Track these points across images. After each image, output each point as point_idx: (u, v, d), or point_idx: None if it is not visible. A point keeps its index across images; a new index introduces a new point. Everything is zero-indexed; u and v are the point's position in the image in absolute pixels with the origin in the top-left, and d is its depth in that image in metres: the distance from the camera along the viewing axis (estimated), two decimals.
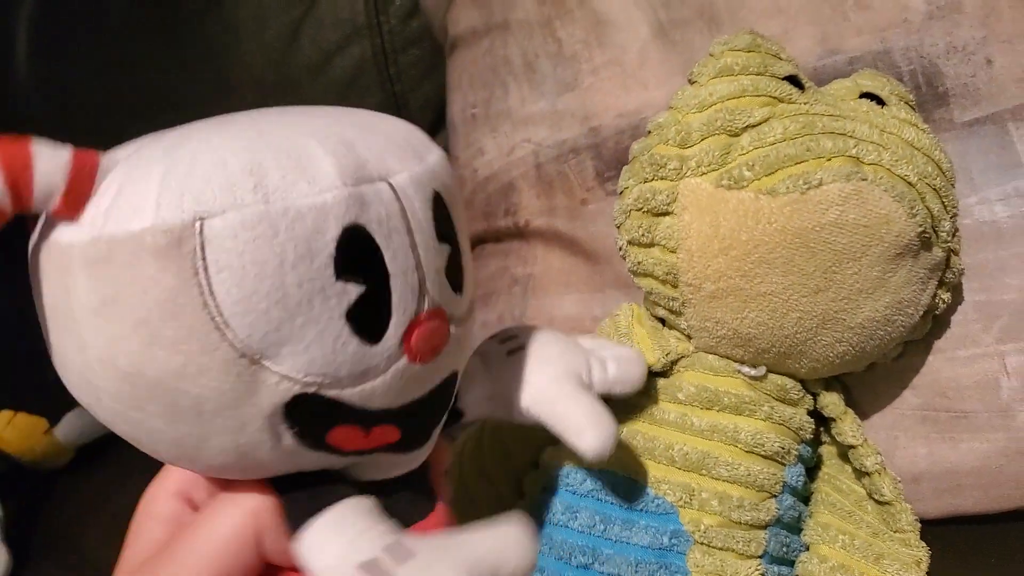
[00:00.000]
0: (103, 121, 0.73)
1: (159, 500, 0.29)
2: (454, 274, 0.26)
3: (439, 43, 0.65)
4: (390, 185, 0.24)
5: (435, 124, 0.70)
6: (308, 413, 0.23)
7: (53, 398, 0.65)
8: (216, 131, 0.24)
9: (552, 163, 0.49)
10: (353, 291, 0.23)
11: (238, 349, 0.21)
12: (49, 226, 0.23)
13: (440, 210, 0.26)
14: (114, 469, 0.68)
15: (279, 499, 0.25)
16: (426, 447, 0.28)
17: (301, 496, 0.25)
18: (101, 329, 0.21)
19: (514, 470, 0.40)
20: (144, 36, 0.75)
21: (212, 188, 0.21)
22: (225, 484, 0.27)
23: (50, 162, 0.21)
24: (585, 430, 0.30)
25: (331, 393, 0.23)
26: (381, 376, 0.24)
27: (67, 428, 0.67)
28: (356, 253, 0.23)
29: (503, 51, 0.52)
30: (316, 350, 0.22)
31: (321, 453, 0.24)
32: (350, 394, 0.23)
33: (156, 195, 0.21)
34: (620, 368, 0.33)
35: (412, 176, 0.25)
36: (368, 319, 0.23)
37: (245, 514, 0.25)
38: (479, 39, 0.55)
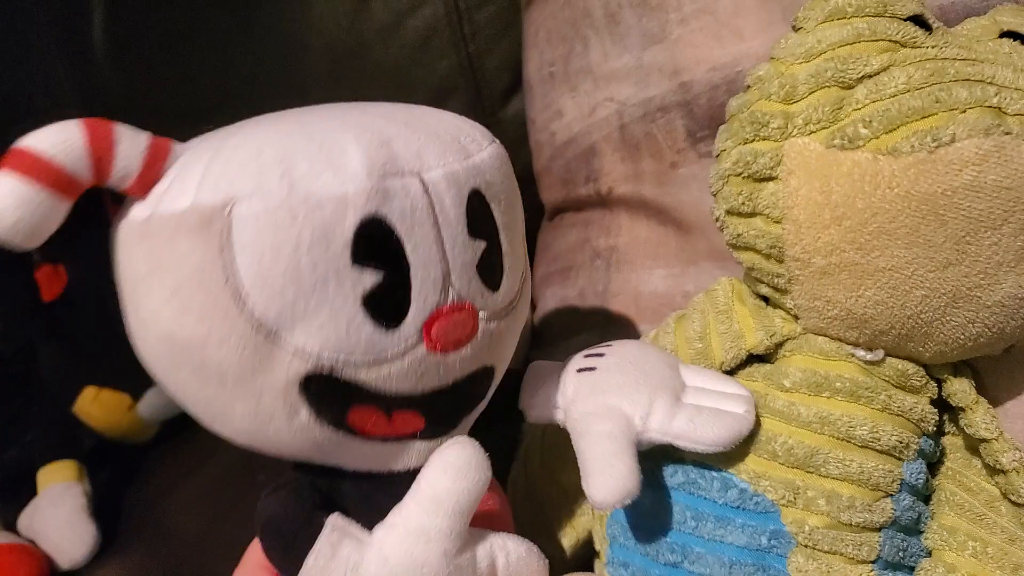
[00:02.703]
0: (176, 92, 0.73)
1: None
2: (489, 270, 0.27)
3: None
4: (421, 180, 0.25)
5: (511, 87, 0.68)
6: (324, 391, 0.25)
7: (136, 375, 0.67)
8: (265, 124, 0.26)
9: (638, 123, 0.45)
10: (370, 278, 0.24)
11: (254, 323, 0.23)
12: (126, 204, 0.26)
13: (478, 207, 0.27)
14: (197, 446, 0.70)
15: (267, 554, 0.27)
16: (455, 434, 0.29)
17: (286, 547, 0.26)
18: (147, 295, 0.24)
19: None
20: (216, 4, 0.75)
21: (244, 175, 0.24)
22: None
23: (130, 146, 0.24)
24: (589, 476, 0.29)
25: (347, 373, 0.25)
26: (398, 361, 0.25)
27: (149, 404, 0.68)
28: (376, 242, 0.24)
29: (583, 3, 0.49)
30: (330, 330, 0.24)
31: (343, 434, 0.26)
32: (366, 376, 0.25)
33: (199, 179, 0.24)
34: (692, 425, 0.30)
35: (447, 173, 0.26)
36: (386, 306, 0.25)
37: None
38: None
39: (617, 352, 0.33)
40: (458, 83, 0.67)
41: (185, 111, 0.74)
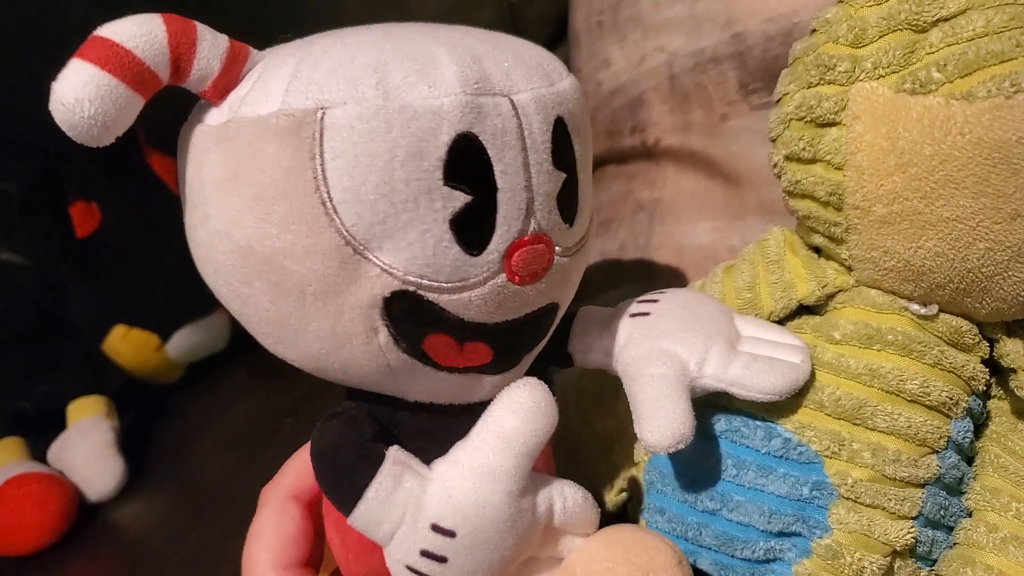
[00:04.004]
0: (210, 24, 0.72)
1: None
2: (567, 203, 0.26)
3: None
4: (511, 101, 0.24)
5: (552, 39, 0.67)
6: (406, 312, 0.24)
7: (165, 315, 0.68)
8: (351, 33, 0.25)
9: (688, 74, 0.44)
10: (459, 198, 0.23)
11: (344, 236, 0.22)
12: (196, 111, 0.25)
13: (561, 136, 0.26)
14: (221, 391, 0.71)
15: (321, 485, 0.26)
16: (516, 371, 0.28)
17: (342, 478, 0.26)
18: (223, 202, 0.23)
19: (615, 413, 0.37)
20: None
21: (336, 81, 0.22)
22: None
23: (211, 46, 0.23)
24: (642, 418, 0.29)
25: (430, 296, 0.24)
26: (479, 288, 0.24)
27: (177, 345, 0.69)
28: (467, 162, 0.23)
29: None
30: (418, 249, 0.23)
31: (415, 361, 0.25)
32: (447, 300, 0.24)
33: (286, 83, 0.23)
34: (748, 372, 0.30)
35: (536, 96, 0.25)
36: (472, 229, 0.24)
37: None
38: None
39: (671, 299, 0.33)
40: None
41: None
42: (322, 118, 0.22)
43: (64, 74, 0.22)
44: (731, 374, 0.30)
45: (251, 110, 0.23)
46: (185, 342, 0.69)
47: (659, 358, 0.30)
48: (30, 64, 0.84)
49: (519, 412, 0.26)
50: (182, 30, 0.23)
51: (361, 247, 0.23)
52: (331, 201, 0.22)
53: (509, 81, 0.25)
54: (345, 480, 0.25)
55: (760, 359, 0.30)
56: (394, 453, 0.25)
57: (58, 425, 0.63)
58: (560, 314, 0.29)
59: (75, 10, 0.80)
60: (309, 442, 0.27)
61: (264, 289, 0.24)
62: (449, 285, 0.24)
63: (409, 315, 0.24)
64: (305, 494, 0.31)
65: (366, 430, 0.26)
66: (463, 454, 0.26)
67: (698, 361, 0.30)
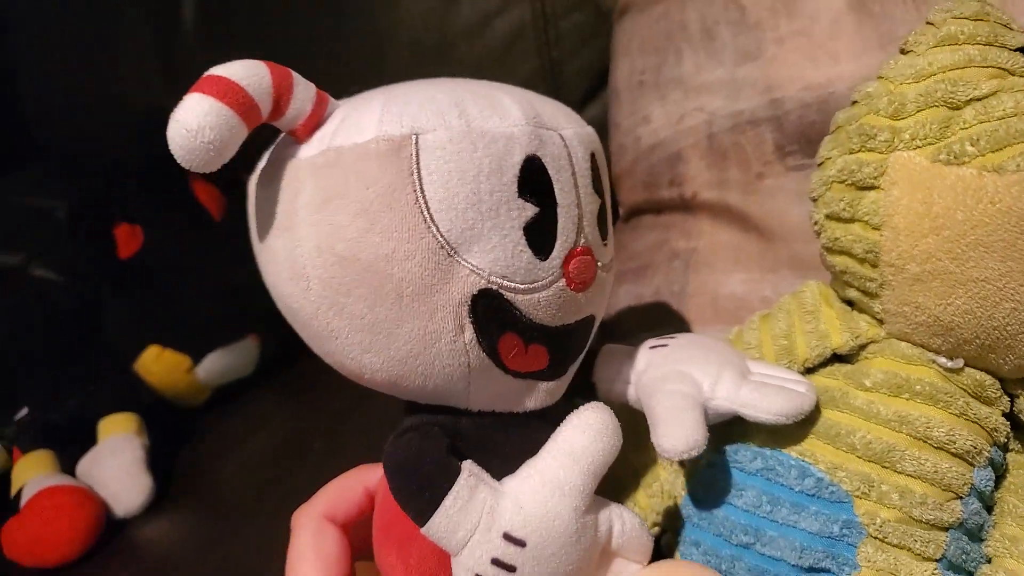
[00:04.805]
0: None
1: None
2: (603, 224, 0.31)
3: (602, 9, 0.64)
4: (560, 135, 0.29)
5: (589, 93, 0.70)
6: (488, 310, 0.27)
7: (198, 338, 0.69)
8: (423, 81, 0.29)
9: (727, 133, 0.47)
10: (529, 209, 0.27)
11: (440, 240, 0.26)
12: (281, 148, 0.29)
13: (595, 167, 0.31)
14: (247, 414, 0.71)
15: (399, 496, 0.28)
16: (563, 380, 0.32)
17: (411, 498, 0.27)
18: (323, 222, 0.26)
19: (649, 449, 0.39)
20: None
21: (425, 112, 0.26)
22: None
23: (304, 90, 0.27)
24: (658, 426, 0.31)
25: (508, 295, 0.27)
26: (545, 291, 0.28)
27: (207, 368, 0.70)
28: (534, 179, 0.27)
29: (679, 16, 0.51)
30: (499, 252, 0.27)
31: (489, 362, 0.28)
32: (521, 300, 0.28)
33: (379, 116, 0.26)
34: (758, 395, 0.33)
35: (576, 133, 0.30)
36: (539, 236, 0.28)
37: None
38: (653, 3, 0.53)
39: (688, 336, 0.37)
40: (538, 87, 0.68)
41: None
42: (416, 141, 0.26)
43: (185, 105, 0.25)
44: (742, 396, 0.32)
45: (347, 140, 0.26)
46: (215, 365, 0.70)
47: (676, 377, 0.33)
48: (83, 88, 0.88)
49: (587, 431, 0.28)
50: (282, 75, 0.27)
51: (453, 251, 0.26)
52: (428, 210, 0.26)
53: (555, 120, 0.29)
54: (424, 490, 0.26)
55: (769, 386, 0.33)
56: (468, 466, 0.27)
57: (89, 440, 0.64)
58: (596, 327, 0.33)
59: (132, 40, 0.83)
60: (343, 471, 0.31)
61: (363, 295, 0.26)
62: (523, 286, 0.28)
63: (490, 313, 0.27)
64: (340, 517, 0.32)
65: (441, 443, 0.28)
66: (534, 469, 0.28)
67: (711, 383, 0.33)
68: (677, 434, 0.30)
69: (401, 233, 0.26)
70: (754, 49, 0.47)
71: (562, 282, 0.29)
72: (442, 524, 0.26)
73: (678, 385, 0.33)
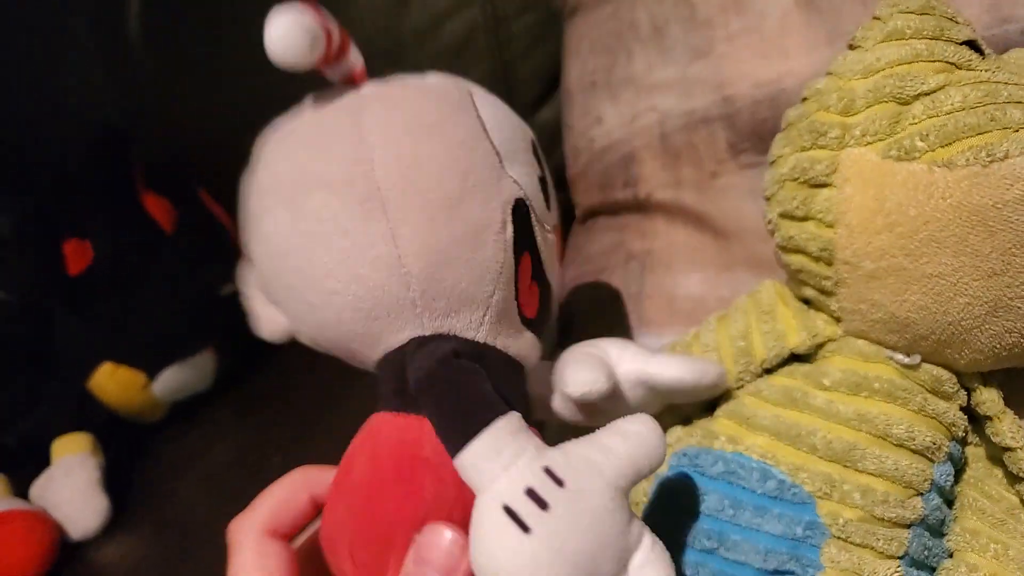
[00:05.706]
0: (210, 84, 0.73)
1: None
2: (546, 194, 0.36)
3: (553, 9, 0.63)
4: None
5: (542, 96, 0.69)
6: (523, 219, 0.32)
7: (153, 354, 0.68)
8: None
9: (679, 133, 0.46)
10: (539, 168, 0.35)
11: (494, 148, 0.31)
12: (318, 97, 0.32)
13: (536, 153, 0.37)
14: (205, 429, 0.70)
15: (434, 423, 0.27)
16: (537, 344, 0.34)
17: (457, 417, 0.27)
18: (399, 134, 0.30)
19: None
20: None
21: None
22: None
23: (355, 51, 0.32)
24: (564, 372, 0.34)
25: (533, 218, 0.33)
26: (549, 235, 0.35)
27: (164, 384, 0.69)
28: (534, 149, 0.35)
29: (629, 15, 0.50)
30: (527, 179, 0.33)
31: (511, 277, 0.32)
32: (538, 231, 0.33)
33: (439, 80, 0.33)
34: (663, 359, 0.35)
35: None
36: (546, 191, 0.35)
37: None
38: (602, 3, 0.53)
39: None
40: (491, 89, 0.68)
41: (219, 103, 0.75)
42: (471, 95, 0.33)
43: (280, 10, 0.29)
44: (650, 363, 0.35)
45: (409, 79, 0.32)
46: (172, 381, 0.68)
47: (585, 345, 0.36)
48: (27, 100, 0.85)
49: (629, 439, 0.27)
50: (345, 32, 0.31)
51: (501, 160, 0.31)
52: (484, 125, 0.31)
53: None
54: (476, 410, 0.26)
55: (678, 356, 0.36)
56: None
57: (42, 461, 0.62)
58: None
59: (76, 51, 0.81)
60: (288, 473, 0.31)
61: (433, 171, 0.30)
62: (540, 215, 0.33)
63: (523, 222, 0.32)
64: (282, 530, 0.30)
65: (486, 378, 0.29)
66: (579, 440, 0.27)
67: (618, 350, 0.35)
68: (579, 377, 0.33)
69: (468, 131, 0.31)
70: (705, 47, 0.46)
71: (552, 234, 0.35)
72: (487, 445, 0.25)
73: (585, 347, 0.36)
